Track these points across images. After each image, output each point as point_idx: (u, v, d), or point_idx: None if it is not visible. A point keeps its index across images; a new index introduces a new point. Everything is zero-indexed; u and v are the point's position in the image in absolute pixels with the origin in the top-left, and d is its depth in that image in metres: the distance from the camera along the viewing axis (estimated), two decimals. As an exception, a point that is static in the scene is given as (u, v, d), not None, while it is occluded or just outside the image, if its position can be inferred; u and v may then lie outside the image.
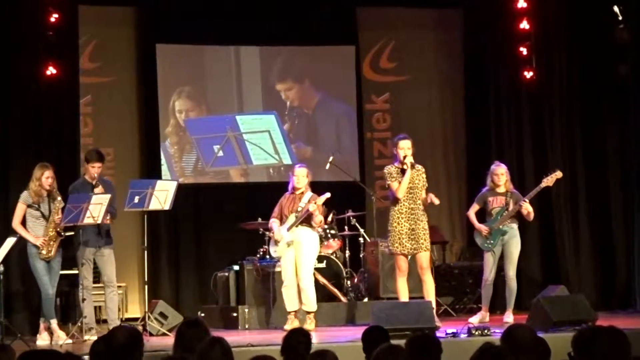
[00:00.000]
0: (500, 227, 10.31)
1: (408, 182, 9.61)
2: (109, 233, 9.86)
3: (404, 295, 9.62)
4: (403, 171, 9.66)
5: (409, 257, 9.69)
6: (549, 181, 10.46)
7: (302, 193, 10.16)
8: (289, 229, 10.03)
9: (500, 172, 10.44)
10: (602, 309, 11.23)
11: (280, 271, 10.23)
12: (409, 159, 9.64)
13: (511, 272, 10.32)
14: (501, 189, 10.42)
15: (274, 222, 10.15)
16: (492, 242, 10.33)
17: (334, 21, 13.35)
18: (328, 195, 10.13)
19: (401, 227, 9.61)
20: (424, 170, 9.82)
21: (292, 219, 10.05)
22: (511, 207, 10.32)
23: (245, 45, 13.34)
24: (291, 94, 13.50)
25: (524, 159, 12.82)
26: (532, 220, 10.61)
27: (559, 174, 10.50)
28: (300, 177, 10.13)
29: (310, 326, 9.81)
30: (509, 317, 10.30)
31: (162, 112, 12.95)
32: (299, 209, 10.06)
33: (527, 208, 10.30)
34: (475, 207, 10.58)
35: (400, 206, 9.63)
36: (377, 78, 13.90)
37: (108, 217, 9.65)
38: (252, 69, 13.36)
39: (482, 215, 10.56)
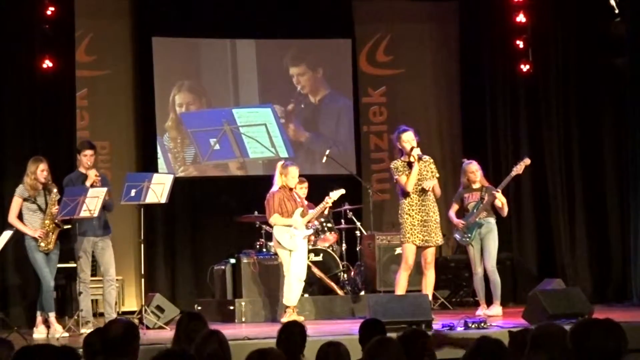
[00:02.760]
0: (477, 220, 10.40)
1: (417, 174, 9.57)
2: (107, 223, 9.87)
3: (401, 289, 9.57)
4: (410, 164, 9.60)
5: (418, 249, 9.61)
6: (518, 169, 10.55)
7: (293, 189, 10.18)
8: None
9: (474, 169, 10.56)
10: (598, 302, 11.25)
11: (276, 264, 10.23)
12: (416, 151, 9.57)
13: (490, 265, 10.41)
14: (476, 185, 10.51)
15: (278, 217, 10.06)
16: (469, 235, 10.46)
17: (330, 14, 13.35)
18: (343, 191, 10.24)
19: (412, 218, 9.55)
20: (432, 160, 9.78)
21: (297, 214, 10.04)
22: (486, 199, 10.39)
23: (242, 39, 13.33)
24: (303, 79, 13.50)
25: (520, 152, 12.80)
26: (506, 215, 10.68)
27: (527, 161, 10.61)
28: (296, 178, 10.13)
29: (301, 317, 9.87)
30: (491, 310, 10.34)
31: (161, 106, 12.94)
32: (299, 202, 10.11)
33: (501, 198, 10.38)
34: (454, 207, 10.73)
35: (411, 199, 9.58)
36: (373, 71, 13.90)
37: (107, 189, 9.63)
38: (248, 62, 13.34)
39: (463, 215, 10.66)
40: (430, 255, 9.64)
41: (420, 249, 9.66)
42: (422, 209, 9.57)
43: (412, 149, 9.55)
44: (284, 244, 10.14)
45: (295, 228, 10.00)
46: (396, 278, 9.75)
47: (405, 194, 9.58)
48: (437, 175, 9.78)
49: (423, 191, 9.58)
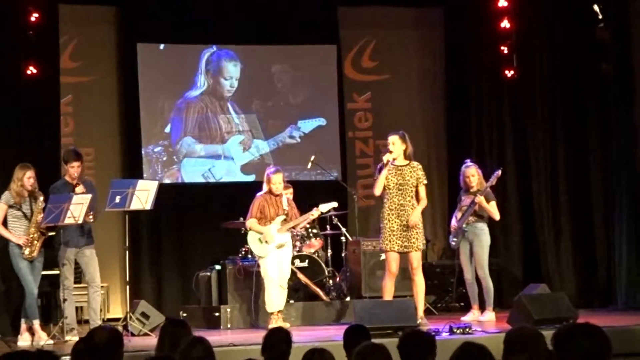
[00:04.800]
0: (463, 225, 10.43)
1: (385, 179, 9.53)
2: (91, 233, 9.83)
3: (389, 295, 9.55)
4: (391, 167, 9.62)
5: (400, 255, 9.60)
6: (492, 181, 10.57)
7: (280, 195, 10.15)
8: (278, 231, 10.03)
9: (471, 174, 10.55)
10: (583, 307, 11.28)
11: (259, 271, 10.22)
12: (387, 157, 9.58)
13: (480, 272, 10.45)
14: (473, 189, 10.52)
15: (255, 222, 10.11)
16: (455, 239, 10.51)
17: (315, 20, 13.35)
18: (335, 204, 10.25)
19: (392, 224, 9.53)
20: (420, 167, 9.75)
21: (279, 221, 10.02)
22: (473, 205, 10.43)
23: (228, 45, 13.33)
24: (285, 78, 13.51)
25: (505, 158, 12.87)
26: (497, 219, 10.73)
27: (498, 173, 10.63)
28: (278, 185, 10.06)
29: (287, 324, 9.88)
30: (484, 316, 10.36)
31: (146, 112, 12.91)
32: (286, 210, 10.06)
33: (482, 203, 10.38)
34: (458, 207, 10.72)
35: (390, 202, 9.57)
36: (358, 77, 13.92)
37: (91, 213, 9.59)
38: (234, 69, 13.34)
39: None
40: (415, 260, 9.62)
41: (403, 255, 9.66)
42: (402, 214, 9.53)
43: (385, 153, 9.59)
44: (254, 250, 10.16)
45: (268, 236, 9.98)
46: (382, 285, 9.74)
47: (380, 198, 9.63)
48: (425, 182, 9.73)
49: (402, 196, 9.55)
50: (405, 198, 9.56)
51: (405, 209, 9.56)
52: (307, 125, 13.50)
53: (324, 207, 10.17)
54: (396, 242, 9.52)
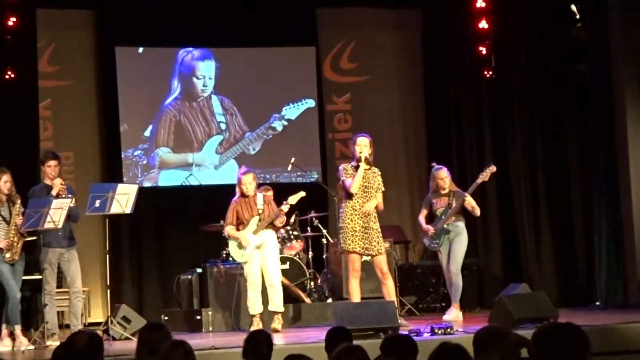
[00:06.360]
0: (445, 226, 10.46)
1: (361, 178, 9.53)
2: (72, 235, 9.79)
3: (356, 296, 9.51)
4: (358, 169, 9.62)
5: (362, 257, 9.58)
6: (484, 176, 10.63)
7: (254, 196, 10.13)
8: (255, 232, 10.01)
9: (444, 176, 10.62)
10: (563, 306, 11.33)
11: (242, 273, 10.21)
12: (364, 154, 9.57)
13: (453, 267, 10.48)
14: (445, 191, 10.57)
15: (231, 229, 10.10)
16: (437, 242, 10.58)
17: (293, 22, 13.36)
18: (303, 194, 10.13)
19: (354, 224, 9.51)
20: (380, 173, 9.74)
21: (254, 222, 10.01)
22: (454, 205, 10.46)
23: (205, 47, 13.31)
24: (264, 79, 13.45)
25: (485, 158, 12.87)
26: (479, 215, 10.78)
27: (493, 169, 10.70)
28: (249, 185, 10.02)
29: (279, 326, 9.85)
30: (449, 314, 10.36)
31: (125, 116, 12.87)
32: (260, 211, 10.03)
33: (471, 202, 10.44)
34: (423, 212, 10.80)
35: (354, 203, 9.52)
36: (337, 79, 13.92)
37: (73, 198, 9.54)
38: (213, 71, 13.32)
39: (432, 219, 10.72)
40: (383, 264, 9.58)
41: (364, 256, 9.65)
42: (364, 216, 9.52)
43: (360, 153, 9.55)
44: (235, 257, 10.15)
45: (244, 240, 9.96)
46: (349, 287, 9.66)
47: (349, 196, 9.53)
48: (383, 189, 9.70)
49: (367, 199, 9.52)
50: (369, 201, 9.55)
51: (368, 213, 9.53)
52: (293, 111, 13.46)
53: (293, 199, 10.09)
54: (358, 243, 9.49)
